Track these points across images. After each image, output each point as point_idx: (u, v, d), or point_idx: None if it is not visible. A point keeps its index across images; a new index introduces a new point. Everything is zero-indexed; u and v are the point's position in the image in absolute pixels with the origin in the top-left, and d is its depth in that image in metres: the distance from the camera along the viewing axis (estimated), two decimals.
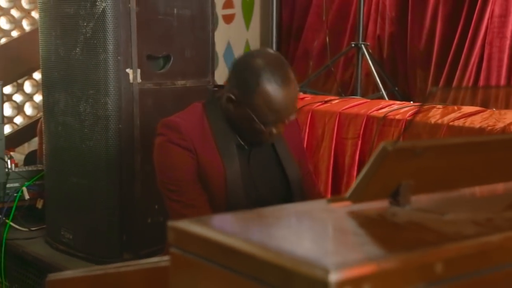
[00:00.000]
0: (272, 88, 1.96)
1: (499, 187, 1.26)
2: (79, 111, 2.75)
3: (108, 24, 2.62)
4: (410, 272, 0.84)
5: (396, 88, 4.15)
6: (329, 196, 3.15)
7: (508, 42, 3.57)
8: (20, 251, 2.99)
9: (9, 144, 3.29)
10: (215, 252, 0.95)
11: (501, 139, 1.26)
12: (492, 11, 3.61)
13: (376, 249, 0.93)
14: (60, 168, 2.91)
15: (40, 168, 3.24)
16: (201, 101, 2.18)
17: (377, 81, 3.95)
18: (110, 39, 2.63)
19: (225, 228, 1.00)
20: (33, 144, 4.58)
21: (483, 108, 2.99)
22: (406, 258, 0.85)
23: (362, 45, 4.12)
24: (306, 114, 3.39)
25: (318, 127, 3.36)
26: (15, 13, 4.72)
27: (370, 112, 3.18)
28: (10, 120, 4.70)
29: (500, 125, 2.64)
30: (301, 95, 3.85)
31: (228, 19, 5.17)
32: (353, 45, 4.20)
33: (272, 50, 2.13)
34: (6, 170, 3.13)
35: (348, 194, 1.06)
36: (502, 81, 3.58)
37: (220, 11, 5.08)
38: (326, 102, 3.49)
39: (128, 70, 2.68)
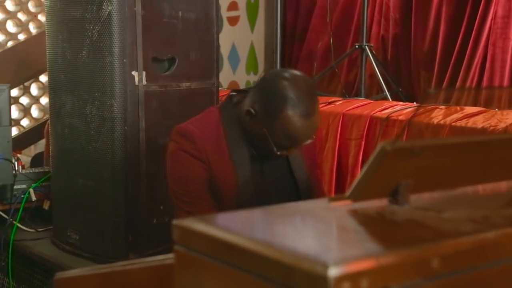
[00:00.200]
0: (294, 118, 1.93)
1: (497, 185, 1.29)
2: (85, 113, 2.78)
3: (114, 27, 2.65)
4: (407, 267, 0.87)
5: (400, 89, 4.17)
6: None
7: (511, 43, 3.59)
8: (27, 252, 3.02)
9: (15, 146, 3.32)
10: (218, 249, 0.97)
11: (498, 139, 1.29)
12: (495, 12, 3.63)
13: (374, 245, 0.95)
14: (67, 169, 2.94)
15: (47, 170, 3.27)
16: (217, 106, 2.17)
17: (381, 82, 3.98)
18: (116, 42, 2.66)
19: (228, 226, 1.03)
20: (39, 146, 4.62)
21: (485, 109, 3.02)
22: (403, 254, 0.88)
23: (366, 47, 4.15)
24: None
25: (322, 128, 3.38)
26: (21, 16, 4.76)
27: (374, 113, 3.21)
28: (16, 122, 4.74)
29: (502, 125, 2.66)
30: None
31: (233, 21, 5.20)
32: (357, 46, 4.22)
33: (302, 74, 2.05)
34: (14, 171, 3.16)
35: (348, 193, 1.08)
36: (506, 82, 3.60)
37: (224, 13, 5.11)
38: (330, 103, 3.52)
39: (134, 73, 2.71)
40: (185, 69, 2.88)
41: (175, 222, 1.04)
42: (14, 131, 4.48)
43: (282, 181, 2.14)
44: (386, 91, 3.91)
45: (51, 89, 3.01)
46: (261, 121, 1.99)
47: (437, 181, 1.17)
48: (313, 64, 4.69)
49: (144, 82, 2.74)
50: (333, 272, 0.81)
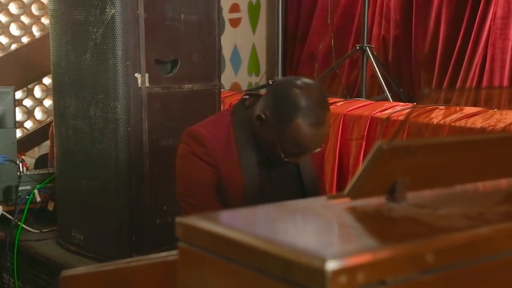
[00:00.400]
0: (304, 127, 1.94)
1: (492, 183, 1.32)
2: (89, 115, 2.81)
3: (117, 30, 2.68)
4: (402, 261, 0.90)
5: (401, 90, 4.20)
6: None
7: (510, 43, 3.61)
8: (32, 252, 3.05)
9: (19, 148, 3.35)
10: (220, 245, 1.00)
11: (493, 138, 1.32)
12: (495, 13, 3.66)
13: (371, 241, 0.99)
14: (71, 170, 2.97)
15: (51, 171, 3.30)
16: (229, 109, 2.19)
17: (381, 83, 4.01)
18: (119, 45, 2.69)
19: (230, 223, 1.06)
20: (43, 148, 4.66)
21: (484, 109, 3.05)
22: (399, 249, 0.91)
23: (367, 48, 4.18)
24: None
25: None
26: (25, 19, 4.80)
27: (374, 114, 3.25)
28: (20, 124, 4.77)
29: (500, 125, 2.69)
30: None
31: (235, 23, 5.23)
32: (358, 47, 4.25)
33: (315, 83, 2.08)
34: (18, 173, 3.19)
35: (346, 191, 1.12)
36: (505, 82, 3.63)
37: (226, 15, 5.15)
38: (331, 104, 3.53)
39: (137, 75, 2.74)
40: (188, 71, 2.91)
41: (178, 219, 1.07)
42: (18, 133, 4.51)
43: (290, 187, 2.16)
44: (387, 92, 3.94)
45: (55, 91, 3.04)
46: (271, 127, 2.00)
47: (433, 179, 1.20)
48: (314, 65, 4.73)
49: (147, 84, 2.77)
50: (331, 266, 0.84)
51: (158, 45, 2.81)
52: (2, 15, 4.70)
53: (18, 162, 3.18)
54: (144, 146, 2.78)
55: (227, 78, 5.09)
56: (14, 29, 4.76)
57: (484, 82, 3.69)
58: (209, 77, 3.01)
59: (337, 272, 0.84)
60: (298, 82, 2.01)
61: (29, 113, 4.88)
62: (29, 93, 4.88)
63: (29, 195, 3.21)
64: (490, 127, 2.73)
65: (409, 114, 3.04)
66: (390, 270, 0.89)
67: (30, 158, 4.12)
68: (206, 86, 3.00)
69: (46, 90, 4.93)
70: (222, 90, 3.20)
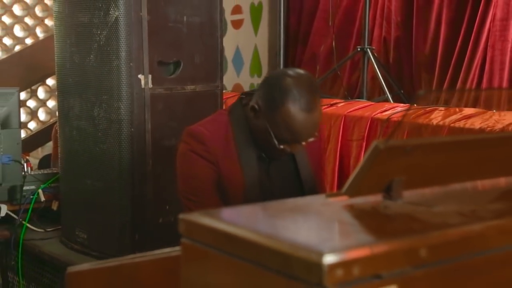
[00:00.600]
0: (294, 110, 1.98)
1: (486, 182, 1.35)
2: (93, 115, 2.84)
3: (120, 32, 2.71)
4: (396, 256, 0.94)
5: (402, 91, 4.23)
6: None
7: (509, 45, 3.65)
8: (36, 251, 3.08)
9: (23, 149, 3.38)
10: (222, 241, 1.04)
11: (487, 138, 1.36)
12: (494, 15, 3.69)
13: (367, 236, 1.02)
14: (75, 170, 3.00)
15: (55, 171, 3.34)
16: (226, 109, 2.23)
17: (382, 84, 4.04)
18: (122, 46, 2.72)
19: (231, 220, 1.10)
20: (46, 148, 4.69)
21: (483, 110, 3.08)
22: (394, 244, 0.95)
23: (368, 49, 4.21)
24: None
25: (324, 129, 3.45)
26: (28, 20, 4.83)
27: (374, 115, 3.28)
28: (24, 125, 4.80)
29: (499, 126, 2.73)
30: None
31: (237, 24, 5.26)
32: (359, 49, 4.28)
33: (306, 73, 2.13)
34: (23, 173, 3.22)
35: (344, 189, 1.15)
36: (505, 83, 3.66)
37: (229, 17, 5.18)
38: (332, 105, 3.59)
39: (140, 76, 2.78)
40: (190, 72, 2.95)
41: (181, 216, 1.11)
42: (22, 134, 4.54)
43: (288, 183, 2.19)
44: (388, 93, 3.97)
45: (60, 92, 3.08)
46: (264, 116, 2.05)
47: (429, 178, 1.24)
48: (315, 66, 4.75)
49: (150, 85, 2.80)
50: (328, 259, 0.88)
51: (161, 46, 2.84)
52: (6, 16, 4.73)
53: (22, 162, 3.21)
54: (147, 146, 2.81)
55: (229, 79, 5.12)
56: (18, 31, 4.80)
57: (484, 83, 3.72)
58: (211, 78, 3.04)
59: (334, 266, 0.88)
60: (289, 71, 2.08)
61: (33, 114, 4.92)
62: (33, 94, 4.92)
63: (33, 195, 3.23)
64: (489, 128, 2.76)
65: (404, 114, 3.08)
66: (385, 264, 0.93)
67: (33, 158, 4.15)
68: (208, 87, 3.03)
69: (49, 91, 4.96)
70: (224, 91, 3.24)
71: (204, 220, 1.08)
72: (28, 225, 3.20)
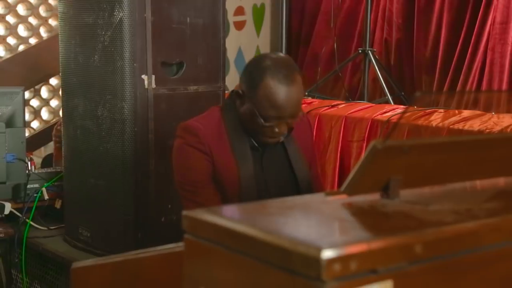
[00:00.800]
0: (274, 84, 2.07)
1: (482, 182, 1.39)
2: (97, 115, 2.87)
3: (124, 33, 2.75)
4: (392, 252, 0.97)
5: (403, 93, 4.26)
6: None
7: (509, 48, 3.68)
8: (40, 249, 3.10)
9: (26, 148, 3.41)
10: (224, 237, 1.07)
11: (484, 139, 1.39)
12: (494, 18, 3.73)
13: (364, 233, 1.06)
14: (78, 169, 3.03)
15: (58, 170, 3.37)
16: (219, 105, 2.30)
17: (383, 86, 4.07)
18: (126, 47, 2.76)
19: (233, 217, 1.13)
20: (49, 148, 4.72)
21: (482, 112, 3.11)
22: (390, 240, 0.98)
23: (369, 51, 4.24)
24: (313, 118, 3.52)
25: (325, 130, 3.49)
26: (32, 20, 4.86)
27: (375, 116, 3.31)
28: (27, 124, 4.82)
29: (497, 128, 2.76)
30: (309, 99, 3.99)
31: (239, 25, 5.29)
32: (360, 51, 4.32)
33: (284, 55, 2.25)
34: (27, 171, 3.25)
35: (343, 187, 1.19)
36: (504, 86, 3.70)
37: (231, 18, 5.21)
38: (332, 106, 3.62)
39: (144, 76, 2.81)
40: (193, 73, 2.98)
41: (185, 213, 1.14)
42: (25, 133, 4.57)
43: (282, 174, 2.26)
44: (389, 95, 4.01)
45: (64, 92, 3.11)
46: (247, 97, 2.13)
47: (426, 178, 1.27)
48: (317, 68, 4.79)
49: (153, 85, 2.83)
50: (326, 255, 0.91)
51: (165, 47, 2.87)
52: (10, 16, 4.76)
53: (27, 160, 3.24)
54: (150, 145, 2.84)
55: (232, 80, 5.14)
56: (22, 30, 4.82)
57: (484, 86, 3.76)
58: (214, 79, 3.07)
59: (332, 261, 0.91)
60: (264, 53, 2.25)
61: (36, 113, 4.94)
62: (36, 94, 4.94)
63: (37, 193, 3.26)
64: (487, 130, 2.79)
65: (402, 115, 3.12)
66: (381, 260, 0.96)
67: (36, 157, 4.17)
68: (211, 88, 3.06)
69: (52, 91, 4.99)
70: (226, 91, 3.27)
71: (207, 217, 1.11)
72: (31, 223, 3.23)
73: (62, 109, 3.14)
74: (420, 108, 3.24)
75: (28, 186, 3.23)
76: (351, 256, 0.93)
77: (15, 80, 4.40)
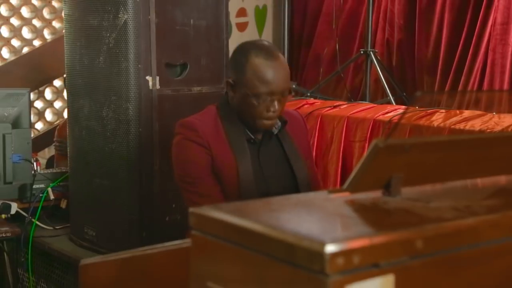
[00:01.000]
0: (259, 61, 2.16)
1: (482, 180, 1.42)
2: (102, 116, 2.90)
3: (129, 34, 2.78)
4: (394, 247, 1.00)
5: (404, 94, 4.28)
6: None
7: (510, 48, 3.70)
8: (46, 248, 3.14)
9: None
10: (230, 233, 1.10)
11: (483, 137, 1.42)
12: (495, 19, 3.75)
13: (366, 228, 1.09)
14: (84, 169, 3.06)
15: (64, 170, 3.41)
16: (215, 104, 2.35)
17: (385, 87, 4.10)
18: (131, 49, 2.79)
19: (239, 213, 1.16)
20: (53, 149, 4.75)
21: (483, 112, 3.14)
22: (391, 236, 1.01)
23: (371, 52, 4.27)
24: (315, 118, 3.55)
25: (327, 130, 3.52)
26: (36, 23, 4.89)
27: (377, 116, 3.34)
28: (31, 126, 4.85)
29: (498, 128, 2.79)
30: (312, 100, 4.02)
31: (242, 27, 5.32)
32: (362, 52, 4.34)
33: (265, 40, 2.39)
34: (33, 172, 3.28)
35: (345, 185, 1.22)
36: (505, 86, 3.72)
37: (234, 20, 5.24)
38: (335, 107, 3.65)
39: (148, 77, 2.84)
40: (196, 74, 3.01)
41: (191, 210, 1.17)
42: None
43: (279, 167, 2.30)
44: (390, 95, 4.03)
45: (69, 93, 3.14)
46: (237, 83, 2.20)
47: (427, 176, 1.30)
48: (319, 69, 4.81)
49: (158, 86, 2.86)
50: (329, 249, 0.94)
51: (169, 49, 2.90)
52: (14, 18, 4.80)
53: (32, 161, 3.27)
54: (154, 146, 2.87)
55: None
56: (26, 32, 4.86)
57: (485, 86, 3.78)
58: (217, 80, 3.10)
59: (335, 255, 0.94)
60: (246, 41, 2.33)
61: (40, 115, 4.98)
62: (40, 95, 4.97)
63: (43, 193, 3.29)
64: (489, 130, 2.82)
65: (403, 115, 3.15)
66: (383, 254, 0.99)
67: (41, 158, 4.20)
68: (214, 89, 3.09)
69: (56, 92, 5.02)
70: None
71: (213, 213, 1.14)
72: (37, 222, 3.26)
73: (68, 110, 3.17)
74: (421, 108, 3.27)
75: (34, 186, 3.26)
76: (354, 250, 0.96)
77: (19, 82, 4.44)
